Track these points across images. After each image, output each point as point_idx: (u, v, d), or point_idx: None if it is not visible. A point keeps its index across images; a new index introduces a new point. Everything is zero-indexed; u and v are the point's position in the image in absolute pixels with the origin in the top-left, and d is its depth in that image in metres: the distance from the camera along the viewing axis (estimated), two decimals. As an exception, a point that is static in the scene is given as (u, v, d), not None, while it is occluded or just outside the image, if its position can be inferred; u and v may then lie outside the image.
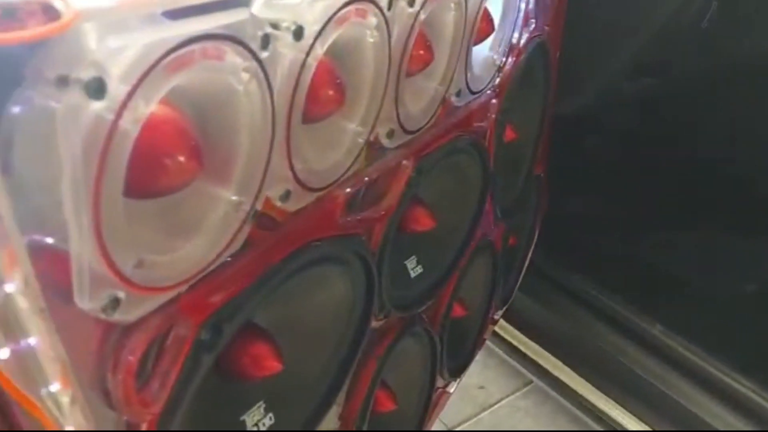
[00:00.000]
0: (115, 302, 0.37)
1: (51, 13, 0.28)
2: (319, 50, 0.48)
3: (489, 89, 0.89)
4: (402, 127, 0.66)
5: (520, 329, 1.67)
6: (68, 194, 0.31)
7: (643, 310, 1.51)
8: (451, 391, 1.26)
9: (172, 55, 0.34)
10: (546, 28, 1.02)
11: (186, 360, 0.44)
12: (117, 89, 0.32)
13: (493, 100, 0.92)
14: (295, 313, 0.64)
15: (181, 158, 0.37)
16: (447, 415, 1.64)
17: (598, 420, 1.55)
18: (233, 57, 0.39)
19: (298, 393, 0.67)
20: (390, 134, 0.65)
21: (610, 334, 1.53)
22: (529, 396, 1.75)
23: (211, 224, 0.44)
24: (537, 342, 1.64)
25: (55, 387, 0.38)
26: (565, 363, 1.59)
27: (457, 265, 0.99)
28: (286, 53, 0.45)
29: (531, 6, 0.92)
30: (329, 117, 0.54)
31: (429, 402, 1.09)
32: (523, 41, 0.93)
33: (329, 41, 0.49)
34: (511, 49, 0.91)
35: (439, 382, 1.14)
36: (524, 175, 1.21)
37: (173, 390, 0.44)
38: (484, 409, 1.71)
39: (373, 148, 0.65)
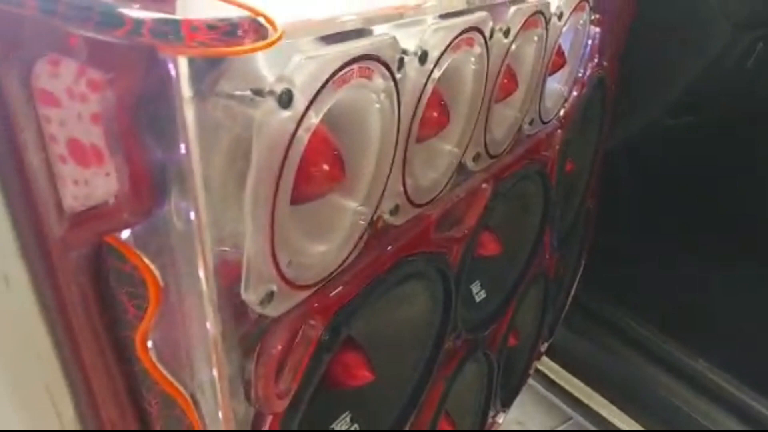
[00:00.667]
0: (270, 296, 0.40)
1: (261, 31, 0.32)
2: (437, 74, 0.51)
3: (554, 120, 0.93)
4: (487, 151, 0.69)
5: (559, 363, 1.68)
6: (252, 193, 0.35)
7: (685, 345, 1.51)
8: (500, 421, 1.27)
9: (340, 73, 0.38)
10: (605, 64, 1.06)
11: (311, 359, 0.47)
12: (300, 101, 0.35)
13: (558, 131, 0.95)
14: (382, 326, 0.66)
15: (331, 167, 0.41)
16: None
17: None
18: (378, 77, 0.43)
19: (379, 406, 0.69)
20: (476, 158, 0.68)
21: (650, 368, 1.54)
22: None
23: (341, 231, 0.47)
24: (576, 376, 1.64)
25: (206, 374, 0.41)
26: (604, 397, 1.59)
27: (516, 292, 1.01)
28: (412, 76, 0.48)
29: (597, 42, 0.96)
30: (433, 138, 0.58)
31: (484, 425, 1.10)
32: (586, 76, 0.97)
33: (444, 66, 0.52)
34: (576, 82, 0.95)
35: (491, 413, 1.15)
36: (577, 206, 1.23)
37: (299, 387, 0.46)
38: (524, 444, 1.70)
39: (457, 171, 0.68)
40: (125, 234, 0.38)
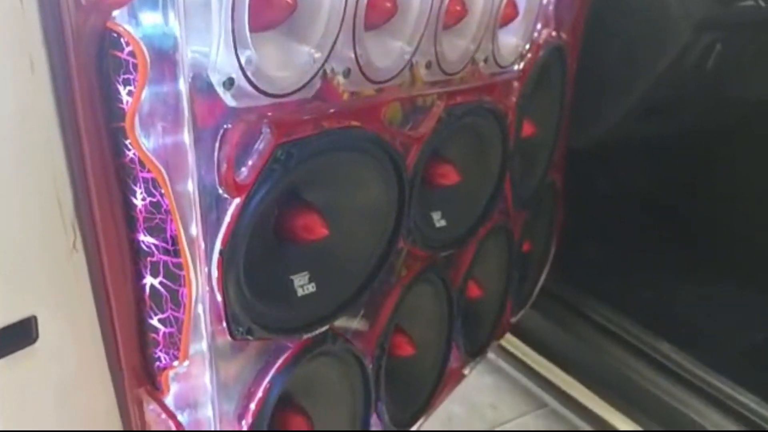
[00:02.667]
0: (231, 82, 0.52)
1: None
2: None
3: (512, 72, 1.05)
4: (439, 65, 0.82)
5: (534, 348, 1.75)
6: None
7: (651, 328, 1.59)
8: (466, 373, 1.35)
9: None
10: (563, 36, 1.19)
11: (265, 165, 0.59)
12: None
13: (515, 83, 1.08)
14: (338, 199, 0.77)
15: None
16: (457, 424, 1.71)
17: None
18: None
19: (337, 274, 0.79)
20: (429, 65, 0.81)
21: (620, 353, 1.61)
22: (542, 418, 1.80)
23: (296, 66, 0.59)
24: (551, 361, 1.72)
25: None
26: (578, 381, 1.66)
27: (476, 232, 1.11)
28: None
29: (551, 9, 1.10)
30: (382, 28, 0.70)
31: (444, 365, 1.18)
32: (542, 39, 1.10)
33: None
34: (532, 43, 1.08)
35: (455, 360, 1.24)
36: (540, 174, 1.34)
37: (255, 183, 0.58)
38: (494, 427, 1.76)
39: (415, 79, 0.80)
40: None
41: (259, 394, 0.73)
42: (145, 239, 0.61)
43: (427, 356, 1.14)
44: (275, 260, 0.73)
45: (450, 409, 1.76)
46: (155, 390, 0.70)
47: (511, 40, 1.02)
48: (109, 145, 0.57)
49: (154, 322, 0.66)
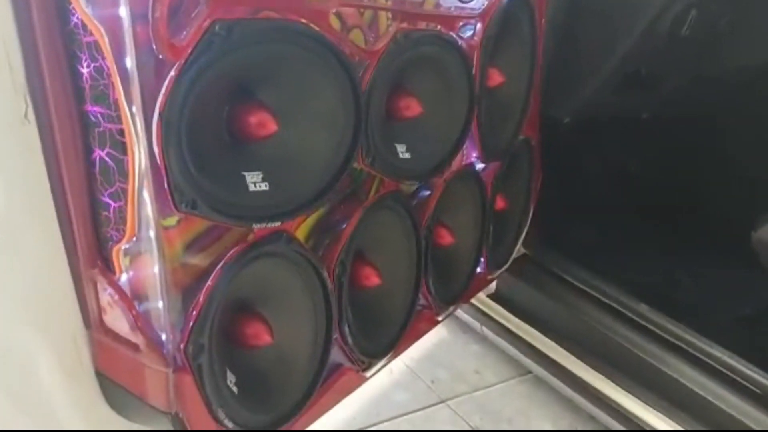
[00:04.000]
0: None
1: None
2: None
3: (473, 10, 1.09)
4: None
5: (517, 315, 1.77)
6: None
7: (631, 293, 1.61)
8: (440, 319, 1.37)
9: None
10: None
11: (204, 36, 0.62)
12: None
13: (478, 23, 1.11)
14: (291, 100, 0.80)
15: None
16: (438, 387, 1.73)
17: (597, 402, 1.59)
18: None
19: (292, 178, 0.82)
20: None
21: (601, 316, 1.62)
22: (525, 383, 1.81)
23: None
24: (534, 326, 1.73)
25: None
26: (560, 345, 1.67)
27: (441, 169, 1.14)
28: None
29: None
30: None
31: (416, 298, 1.20)
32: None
33: None
34: (493, -16, 1.12)
35: (428, 305, 1.26)
36: (512, 128, 1.37)
37: (193, 50, 0.62)
38: (478, 390, 1.77)
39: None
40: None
41: (208, 282, 0.75)
42: (93, 109, 0.65)
43: (395, 291, 1.16)
44: (229, 157, 0.76)
45: (434, 372, 1.78)
46: (109, 271, 0.73)
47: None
48: (56, 10, 0.61)
49: (106, 198, 0.69)
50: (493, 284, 1.78)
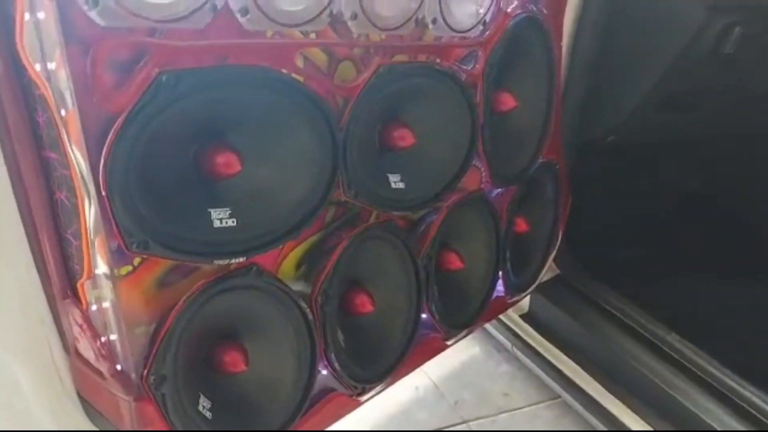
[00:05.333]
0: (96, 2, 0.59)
1: None
2: None
3: (474, 37, 1.07)
4: (365, 14, 0.86)
5: (549, 339, 1.73)
6: None
7: (667, 324, 1.54)
8: (449, 344, 1.35)
9: None
10: (544, 11, 1.20)
11: (148, 88, 0.65)
12: None
13: (479, 52, 1.10)
14: (261, 140, 0.82)
15: None
16: (462, 408, 1.71)
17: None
18: None
19: (261, 214, 0.84)
20: (353, 17, 0.85)
21: (636, 348, 1.56)
22: (553, 409, 1.77)
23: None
24: (565, 352, 1.69)
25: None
26: (590, 375, 1.63)
27: (441, 196, 1.13)
28: None
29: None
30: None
31: (416, 325, 1.19)
32: (510, 8, 1.12)
33: None
34: (498, 10, 1.09)
35: (434, 330, 1.25)
36: (530, 152, 1.34)
37: (135, 106, 0.64)
38: (502, 412, 1.75)
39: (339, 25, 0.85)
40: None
41: (169, 320, 0.78)
42: (50, 155, 0.69)
43: (393, 318, 1.16)
44: (194, 194, 0.79)
45: (460, 392, 1.77)
46: (78, 302, 0.77)
47: (467, 4, 1.04)
48: (13, 64, 0.65)
49: (68, 235, 0.73)
50: (526, 303, 1.75)
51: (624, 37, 1.52)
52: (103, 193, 0.65)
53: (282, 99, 0.80)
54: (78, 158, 0.64)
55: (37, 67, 0.62)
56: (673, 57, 1.50)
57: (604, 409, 1.56)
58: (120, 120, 0.64)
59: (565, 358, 1.69)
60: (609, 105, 1.61)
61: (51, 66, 0.60)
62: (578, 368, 1.64)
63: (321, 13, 0.80)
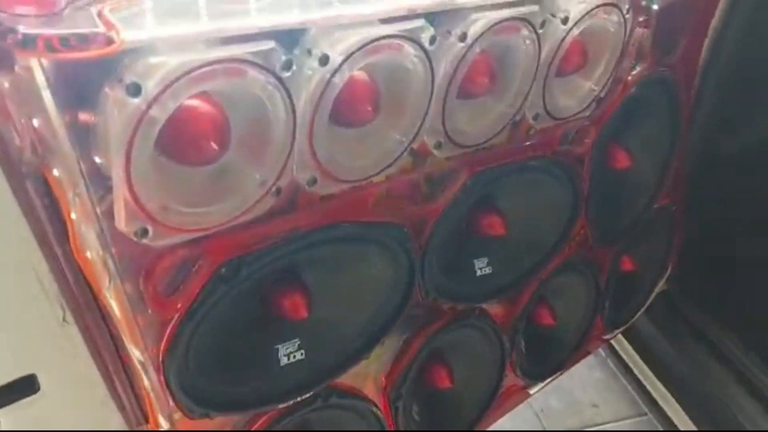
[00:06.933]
0: (145, 231, 0.55)
1: (109, 42, 0.45)
2: (347, 72, 0.61)
3: (585, 115, 0.94)
4: (451, 140, 0.76)
5: (639, 353, 1.66)
6: (113, 152, 0.50)
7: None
8: (531, 392, 1.32)
9: (195, 72, 0.50)
10: (670, 64, 1.03)
11: (205, 285, 0.62)
12: (150, 90, 0.49)
13: (591, 127, 0.97)
14: (337, 277, 0.78)
15: (201, 143, 0.54)
16: (549, 417, 1.69)
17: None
18: (255, 74, 0.55)
19: (331, 343, 0.82)
20: (437, 146, 0.76)
21: (732, 387, 1.47)
22: (639, 426, 1.71)
23: (238, 193, 0.60)
24: (654, 371, 1.62)
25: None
26: (680, 404, 1.56)
27: (528, 279, 1.05)
28: (311, 75, 0.59)
29: (647, 43, 0.95)
30: (368, 125, 0.68)
31: (495, 392, 1.16)
32: (632, 76, 0.96)
33: (360, 65, 0.62)
34: (616, 82, 0.95)
35: (512, 380, 1.21)
36: (643, 205, 1.21)
37: (193, 303, 0.61)
38: (587, 427, 1.71)
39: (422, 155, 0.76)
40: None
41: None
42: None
43: (472, 390, 1.14)
44: (258, 336, 0.77)
45: (547, 400, 1.73)
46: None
47: (579, 86, 0.91)
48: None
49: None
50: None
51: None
52: (162, 382, 0.64)
53: (356, 245, 0.75)
54: (136, 354, 0.63)
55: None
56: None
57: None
58: (174, 322, 0.62)
59: (654, 378, 1.62)
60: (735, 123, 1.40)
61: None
62: (666, 393, 1.58)
63: (397, 158, 0.72)
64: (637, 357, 1.69)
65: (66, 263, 0.65)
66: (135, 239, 0.55)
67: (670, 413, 1.59)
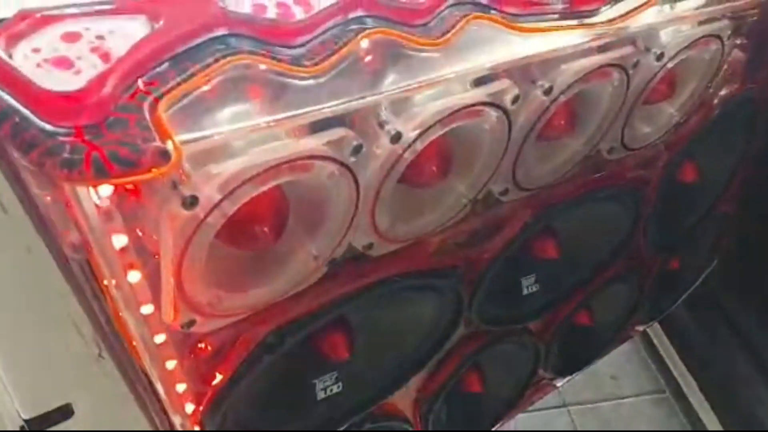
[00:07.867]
0: (192, 322, 0.51)
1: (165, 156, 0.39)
2: (419, 146, 0.54)
3: (660, 142, 0.86)
4: (518, 185, 0.70)
5: (670, 338, 1.64)
6: (163, 256, 0.45)
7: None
8: (559, 384, 1.31)
9: (258, 177, 0.44)
10: (759, 80, 0.94)
11: (249, 355, 0.58)
12: (208, 201, 0.43)
13: (666, 151, 0.89)
14: (382, 319, 0.74)
15: (258, 230, 0.49)
16: (567, 390, 1.69)
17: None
18: (323, 166, 0.48)
19: (369, 376, 0.79)
20: (504, 192, 0.70)
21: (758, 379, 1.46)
22: (658, 405, 1.71)
23: (292, 270, 0.55)
24: (679, 354, 1.61)
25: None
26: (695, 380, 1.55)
27: (583, 288, 1.01)
28: (381, 153, 0.52)
29: (740, 66, 0.85)
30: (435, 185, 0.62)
31: (524, 391, 1.15)
32: (717, 98, 0.88)
33: (434, 137, 0.55)
34: (702, 105, 0.86)
35: (541, 375, 1.20)
36: (703, 211, 1.15)
37: (234, 375, 0.58)
38: (606, 400, 1.71)
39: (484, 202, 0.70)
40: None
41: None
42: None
43: (501, 390, 1.12)
44: (297, 376, 0.74)
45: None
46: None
47: (661, 113, 0.83)
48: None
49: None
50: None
51: None
52: None
53: (407, 293, 0.71)
54: (176, 420, 0.61)
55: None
56: None
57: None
58: (214, 390, 0.59)
59: (676, 357, 1.62)
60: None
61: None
62: (687, 373, 1.58)
63: (459, 212, 0.66)
64: (660, 332, 1.67)
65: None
66: (181, 330, 0.51)
67: (688, 393, 1.59)
